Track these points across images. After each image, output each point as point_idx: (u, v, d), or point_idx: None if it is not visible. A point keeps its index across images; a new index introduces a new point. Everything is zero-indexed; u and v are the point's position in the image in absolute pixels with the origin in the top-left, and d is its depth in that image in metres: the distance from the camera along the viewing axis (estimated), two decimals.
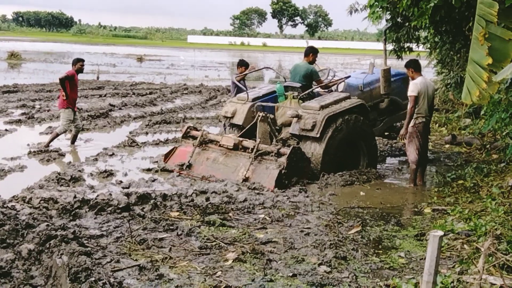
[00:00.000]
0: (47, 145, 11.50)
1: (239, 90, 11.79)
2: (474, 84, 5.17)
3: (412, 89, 9.14)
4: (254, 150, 9.29)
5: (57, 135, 11.77)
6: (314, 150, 9.41)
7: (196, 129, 10.55)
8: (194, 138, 10.19)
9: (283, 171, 8.95)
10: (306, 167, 9.24)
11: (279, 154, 9.18)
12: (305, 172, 9.20)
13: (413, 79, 9.35)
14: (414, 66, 9.38)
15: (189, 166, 9.76)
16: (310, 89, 10.21)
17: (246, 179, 9.10)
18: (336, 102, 9.72)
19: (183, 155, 10.04)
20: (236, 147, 9.59)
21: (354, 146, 9.96)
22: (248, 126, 10.12)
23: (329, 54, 51.66)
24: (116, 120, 15.33)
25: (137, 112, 16.98)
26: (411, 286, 5.11)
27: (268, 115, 10.08)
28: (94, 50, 55.77)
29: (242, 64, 12.79)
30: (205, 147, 9.97)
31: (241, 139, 9.69)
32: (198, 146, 9.96)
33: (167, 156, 10.27)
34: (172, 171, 9.77)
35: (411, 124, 9.17)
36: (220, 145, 9.77)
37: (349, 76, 11.20)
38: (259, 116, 9.95)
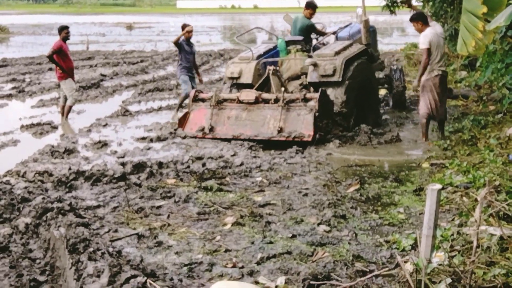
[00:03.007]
0: (64, 118, 11.58)
1: (182, 51, 11.88)
2: (469, 35, 5.05)
3: (423, 41, 8.86)
4: (281, 99, 9.22)
5: (70, 107, 11.72)
6: (336, 92, 9.47)
7: (202, 91, 10.40)
8: (203, 100, 9.99)
9: (316, 114, 8.95)
10: (331, 110, 9.33)
11: (306, 100, 9.20)
12: (331, 115, 9.32)
13: (422, 31, 9.03)
14: (423, 18, 9.09)
15: (211, 128, 9.61)
16: (320, 39, 10.73)
17: (280, 130, 9.07)
18: (345, 48, 9.96)
19: (199, 119, 9.81)
20: (257, 101, 9.50)
21: (366, 98, 10.09)
22: (258, 83, 10.05)
23: (322, 13, 51.17)
24: (108, 90, 15.18)
25: (129, 81, 16.81)
26: (411, 241, 5.10)
27: (277, 68, 10.15)
28: (82, 20, 55.01)
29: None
30: (222, 107, 9.79)
31: (260, 92, 9.63)
32: (215, 107, 9.79)
33: (181, 122, 9.98)
34: (194, 137, 9.53)
35: (426, 77, 8.95)
36: (239, 102, 9.63)
37: (338, 30, 11.48)
38: (270, 70, 9.95)
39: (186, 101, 11.20)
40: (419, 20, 9.09)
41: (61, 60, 11.48)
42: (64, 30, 11.70)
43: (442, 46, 9.06)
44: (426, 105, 9.02)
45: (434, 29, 9.10)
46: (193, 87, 11.56)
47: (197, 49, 23.84)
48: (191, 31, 11.99)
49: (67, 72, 11.55)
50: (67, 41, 11.77)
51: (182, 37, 11.85)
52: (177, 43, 11.91)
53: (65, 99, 11.78)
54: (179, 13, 72.77)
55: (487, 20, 4.91)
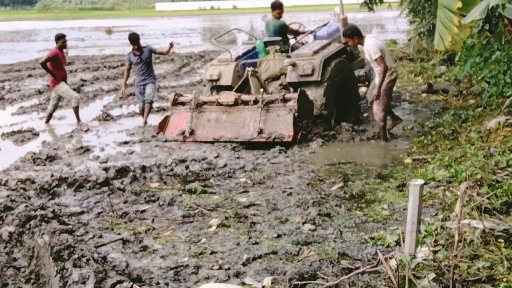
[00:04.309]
0: (78, 121, 11.62)
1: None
2: (445, 30, 5.12)
3: (374, 50, 8.85)
4: (260, 100, 9.23)
5: (76, 108, 11.74)
6: (315, 94, 9.48)
7: (182, 95, 10.37)
8: (183, 104, 9.98)
9: (295, 114, 8.97)
10: (311, 109, 9.36)
11: (285, 100, 9.21)
12: (311, 115, 9.34)
13: (361, 44, 9.14)
14: (357, 32, 9.09)
15: (192, 132, 9.58)
16: (299, 39, 10.70)
17: (260, 131, 9.09)
18: (323, 47, 9.97)
19: (179, 123, 9.79)
20: (237, 103, 9.50)
21: (346, 97, 10.13)
22: (238, 85, 10.04)
23: (301, 12, 51.27)
24: (88, 95, 15.08)
25: (110, 85, 16.71)
26: (396, 236, 5.13)
27: (256, 69, 10.16)
28: (61, 26, 54.56)
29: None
30: (202, 110, 9.78)
31: (239, 94, 9.63)
32: (194, 110, 9.76)
33: (161, 126, 9.96)
34: (176, 140, 9.49)
35: (385, 81, 8.94)
36: (218, 104, 9.62)
37: (316, 29, 11.42)
38: (248, 72, 9.96)
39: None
40: (355, 35, 9.09)
41: (54, 68, 11.48)
42: (60, 39, 11.71)
43: (387, 49, 9.23)
44: (383, 109, 9.02)
45: (372, 37, 9.29)
46: (148, 90, 11.27)
47: (178, 51, 23.86)
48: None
49: (59, 79, 11.56)
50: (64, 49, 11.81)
51: (130, 50, 11.48)
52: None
53: (54, 107, 11.83)
54: (158, 16, 72.54)
55: (463, 15, 4.97)
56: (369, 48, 8.95)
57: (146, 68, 11.35)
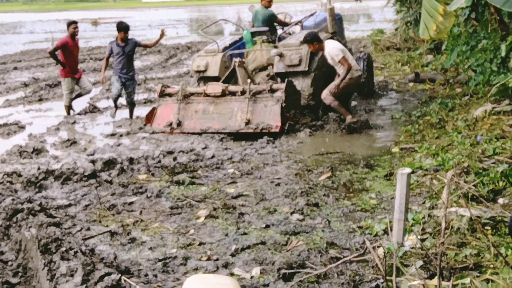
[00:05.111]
0: (68, 113, 11.42)
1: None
2: (430, 19, 5.13)
3: (336, 52, 9.10)
4: (248, 91, 9.22)
5: (66, 107, 11.50)
6: (303, 85, 9.50)
7: (169, 86, 10.31)
8: (170, 95, 9.92)
9: (283, 105, 8.97)
10: (298, 99, 9.38)
11: (272, 91, 9.22)
12: (298, 105, 9.37)
13: (321, 49, 9.34)
14: (317, 38, 9.30)
15: (179, 123, 9.54)
16: (286, 29, 10.63)
17: (248, 122, 9.08)
18: None
19: (166, 114, 9.74)
20: (224, 93, 9.47)
21: None
22: (225, 76, 10.01)
23: (287, 2, 51.16)
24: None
25: (96, 77, 16.55)
26: (383, 225, 5.15)
27: (244, 60, 10.14)
28: (46, 18, 54.09)
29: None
30: (189, 101, 9.74)
31: (226, 85, 9.60)
32: (182, 101, 9.73)
33: (148, 118, 9.90)
34: (163, 132, 9.45)
35: (348, 77, 9.16)
36: (206, 95, 9.59)
37: (303, 19, 11.40)
38: (235, 62, 9.93)
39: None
40: (314, 41, 9.28)
41: (65, 57, 11.16)
42: (71, 25, 11.26)
43: (348, 52, 9.45)
44: (332, 94, 9.16)
45: (331, 40, 9.48)
46: (128, 90, 10.89)
47: (164, 42, 23.71)
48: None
49: (68, 69, 11.22)
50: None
51: (113, 39, 10.96)
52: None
53: (85, 90, 11.68)
54: (144, 7, 72.10)
55: (447, 4, 4.97)
56: (331, 51, 9.16)
57: (127, 61, 10.75)
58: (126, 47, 10.73)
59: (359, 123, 9.16)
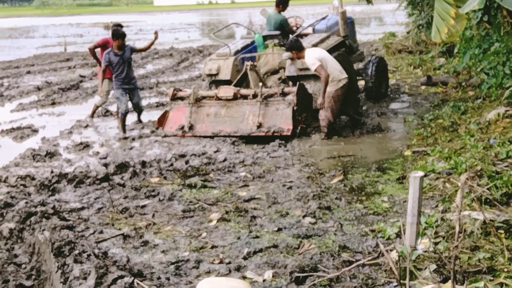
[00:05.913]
0: (91, 116, 11.53)
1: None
2: (442, 22, 5.11)
3: (312, 61, 8.88)
4: (259, 94, 9.23)
5: (96, 107, 11.61)
6: (314, 88, 9.43)
7: (180, 90, 10.35)
8: (182, 99, 9.96)
9: (294, 108, 8.97)
10: (310, 103, 9.32)
11: (284, 94, 9.21)
12: (310, 109, 9.29)
13: (301, 58, 9.11)
14: (297, 46, 9.09)
15: (191, 126, 9.57)
16: (295, 33, 10.39)
17: (259, 125, 9.08)
18: (322, 41, 9.96)
19: (179, 118, 9.77)
20: (236, 97, 9.49)
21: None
22: (236, 79, 10.02)
23: (299, 5, 51.18)
24: (87, 91, 15.04)
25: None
26: (396, 229, 5.13)
27: (255, 63, 10.15)
28: (59, 22, 54.48)
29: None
30: (201, 104, 9.76)
31: (238, 88, 9.61)
32: (193, 105, 9.75)
33: (160, 121, 9.90)
34: (175, 135, 9.45)
35: (331, 89, 8.97)
36: (217, 98, 9.61)
37: (315, 22, 11.38)
38: (247, 66, 9.93)
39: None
40: (293, 49, 9.10)
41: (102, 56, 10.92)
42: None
43: (331, 58, 9.11)
44: (331, 116, 8.99)
45: (312, 49, 9.19)
46: (135, 100, 10.63)
47: (176, 46, 23.78)
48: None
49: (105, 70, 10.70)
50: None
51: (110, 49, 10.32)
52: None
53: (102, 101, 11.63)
54: (156, 11, 72.41)
55: (459, 7, 4.96)
56: (307, 61, 9.00)
57: (127, 69, 10.29)
58: (125, 55, 10.25)
59: (325, 138, 8.96)
